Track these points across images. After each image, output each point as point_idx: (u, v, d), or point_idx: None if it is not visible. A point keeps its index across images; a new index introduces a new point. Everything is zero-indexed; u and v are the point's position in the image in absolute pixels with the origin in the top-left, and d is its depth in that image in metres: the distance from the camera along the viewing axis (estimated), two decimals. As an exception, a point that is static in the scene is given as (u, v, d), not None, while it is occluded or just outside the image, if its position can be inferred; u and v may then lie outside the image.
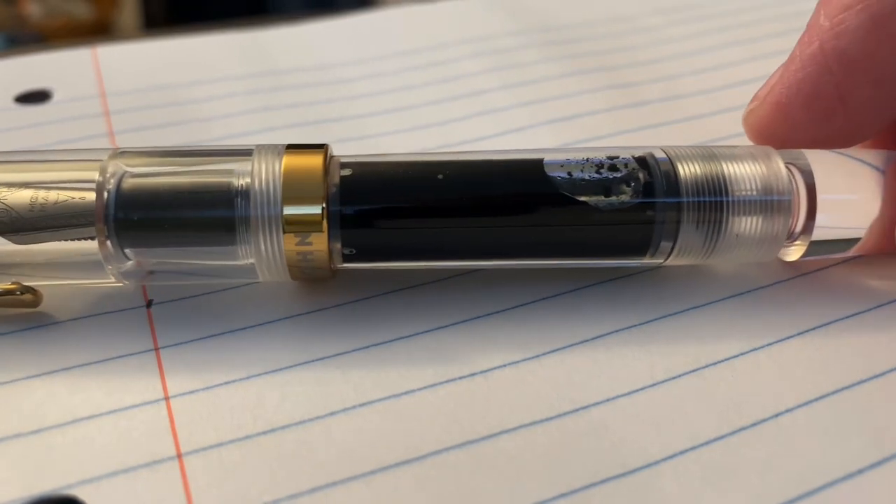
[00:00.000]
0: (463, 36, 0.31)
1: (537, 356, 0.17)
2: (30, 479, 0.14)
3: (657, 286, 0.18)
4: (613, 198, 0.16)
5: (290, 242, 0.16)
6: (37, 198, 0.16)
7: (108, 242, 0.16)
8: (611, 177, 0.17)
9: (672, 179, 0.17)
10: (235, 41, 0.31)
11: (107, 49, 0.30)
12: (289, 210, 0.16)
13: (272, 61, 0.30)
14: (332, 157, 0.17)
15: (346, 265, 0.17)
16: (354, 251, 0.17)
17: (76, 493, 0.14)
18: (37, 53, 0.30)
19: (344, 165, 0.17)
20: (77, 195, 0.16)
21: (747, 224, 0.17)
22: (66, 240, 0.16)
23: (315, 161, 0.17)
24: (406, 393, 0.16)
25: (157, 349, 0.17)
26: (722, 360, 0.16)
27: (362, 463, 0.14)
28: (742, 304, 0.18)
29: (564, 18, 0.33)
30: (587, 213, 0.16)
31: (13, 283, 0.17)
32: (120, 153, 0.17)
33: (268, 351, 0.17)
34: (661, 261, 0.17)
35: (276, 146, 0.17)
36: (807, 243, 0.17)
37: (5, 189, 0.16)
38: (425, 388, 0.16)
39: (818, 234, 0.17)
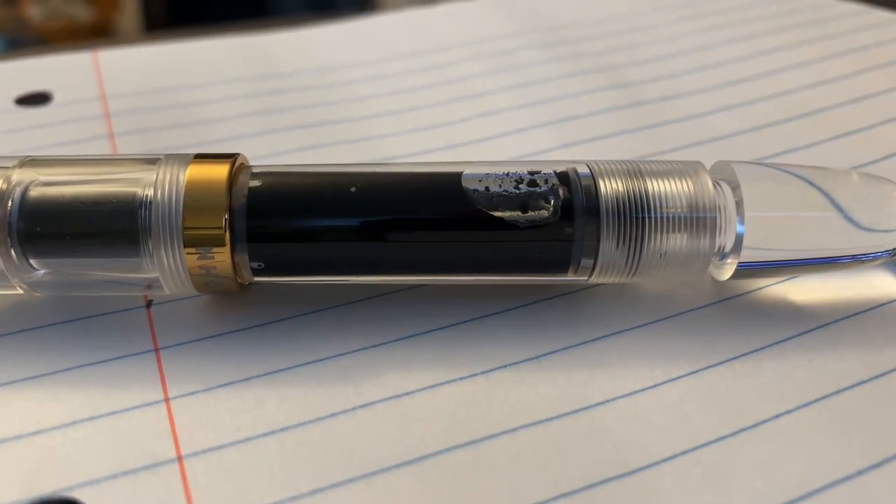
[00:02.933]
0: (463, 38, 0.32)
1: (537, 357, 0.17)
2: (30, 480, 0.14)
3: (656, 288, 0.18)
4: (532, 213, 0.16)
5: (192, 256, 0.16)
6: None
7: (12, 252, 0.16)
8: (529, 192, 0.16)
9: (592, 196, 0.16)
10: (236, 44, 0.31)
11: (107, 52, 0.30)
12: (190, 223, 0.16)
13: (273, 64, 0.30)
14: (244, 166, 0.17)
15: (257, 279, 0.17)
16: (263, 265, 0.16)
17: (76, 495, 0.14)
18: (38, 56, 0.30)
19: (255, 176, 0.16)
20: None
21: (671, 242, 0.16)
22: None
23: (220, 172, 0.16)
24: (406, 394, 0.16)
25: (157, 350, 0.17)
26: (722, 361, 0.16)
27: (363, 464, 0.14)
28: (742, 305, 0.18)
29: (564, 19, 0.33)
30: (503, 230, 0.16)
31: None
32: (30, 161, 0.17)
33: (268, 352, 0.17)
34: (585, 278, 0.17)
35: (185, 155, 0.17)
36: (736, 262, 0.17)
37: None
38: (425, 388, 0.16)
39: (747, 253, 0.16)
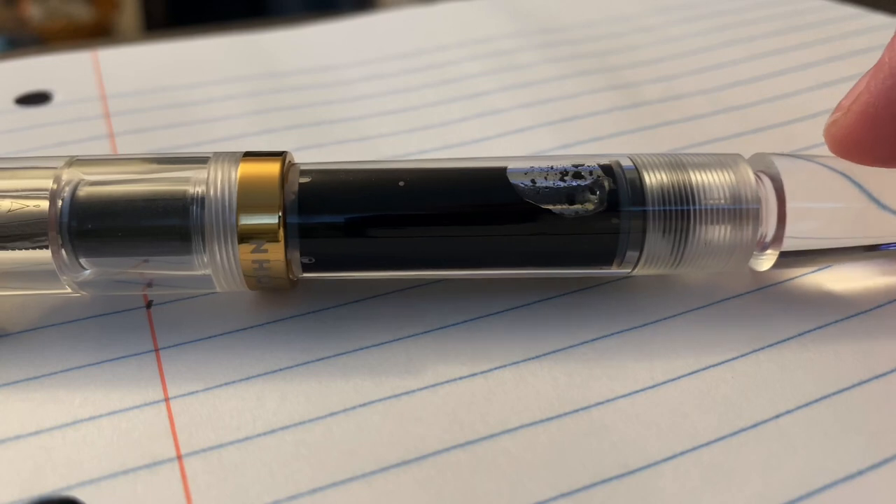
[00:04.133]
0: (463, 38, 0.32)
1: (538, 357, 0.17)
2: (30, 480, 0.14)
3: (658, 288, 0.18)
4: (578, 206, 0.16)
5: (245, 252, 0.16)
6: None
7: (63, 252, 0.16)
8: (575, 185, 0.16)
9: (638, 188, 0.16)
10: (235, 44, 0.31)
11: (107, 51, 0.30)
12: (244, 219, 0.16)
13: (272, 63, 0.30)
14: (291, 164, 0.17)
15: (306, 275, 0.17)
16: (313, 260, 0.17)
17: (76, 494, 0.14)
18: (38, 56, 0.30)
19: (304, 173, 0.17)
20: (31, 203, 0.16)
21: (715, 233, 0.16)
22: (19, 249, 0.16)
23: (272, 169, 0.16)
24: (406, 393, 0.16)
25: (157, 350, 0.17)
26: (722, 362, 0.16)
27: (363, 463, 0.14)
28: (742, 306, 0.18)
29: (564, 19, 0.33)
30: (551, 222, 0.16)
31: None
32: (76, 161, 0.17)
33: (268, 352, 0.17)
34: (628, 270, 0.17)
35: (233, 153, 0.17)
36: (777, 253, 0.17)
37: None
38: (425, 388, 0.16)
39: (788, 243, 0.17)
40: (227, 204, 0.16)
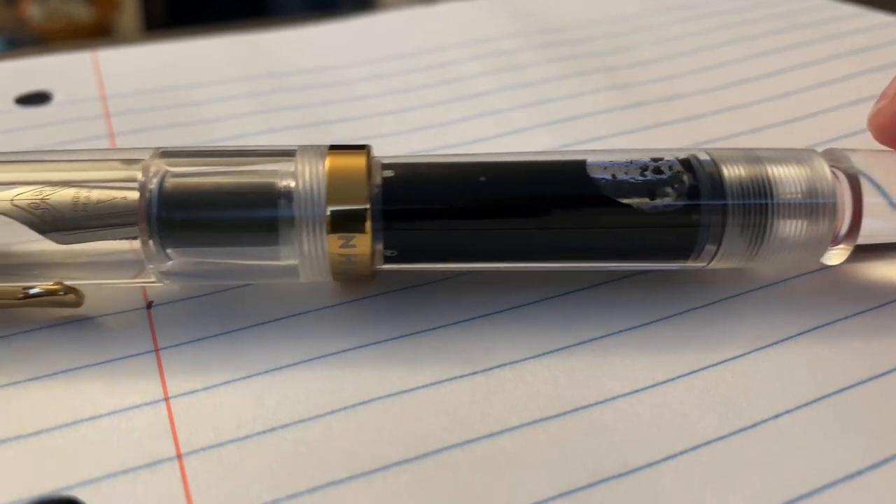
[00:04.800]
0: (463, 38, 0.32)
1: (538, 356, 0.17)
2: (30, 479, 0.14)
3: (657, 289, 0.18)
4: (658, 200, 0.16)
5: (333, 243, 0.16)
6: (79, 197, 0.16)
7: (151, 242, 0.16)
8: (655, 179, 0.16)
9: (717, 182, 0.16)
10: (235, 44, 0.31)
11: (107, 52, 0.30)
12: (333, 210, 0.16)
13: (272, 64, 0.30)
14: (373, 157, 0.17)
15: (386, 266, 0.17)
16: (396, 252, 0.17)
17: (76, 493, 0.14)
18: (38, 56, 0.30)
19: (385, 167, 0.17)
20: (119, 195, 0.16)
21: (792, 228, 0.16)
22: (108, 239, 0.16)
23: (358, 161, 0.16)
24: (406, 391, 0.16)
25: (157, 350, 0.17)
26: (722, 362, 0.16)
27: (363, 462, 0.14)
28: (742, 305, 0.18)
29: (564, 19, 0.33)
30: (631, 216, 0.16)
31: (56, 283, 0.17)
32: (162, 153, 0.17)
33: (267, 350, 0.17)
34: (703, 264, 0.17)
35: (318, 147, 0.17)
36: (851, 247, 0.17)
37: (48, 189, 0.16)
38: (425, 386, 0.16)
39: (863, 238, 0.17)
40: (316, 195, 0.16)
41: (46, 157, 0.17)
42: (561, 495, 0.14)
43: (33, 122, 0.26)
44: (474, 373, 0.16)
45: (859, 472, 0.14)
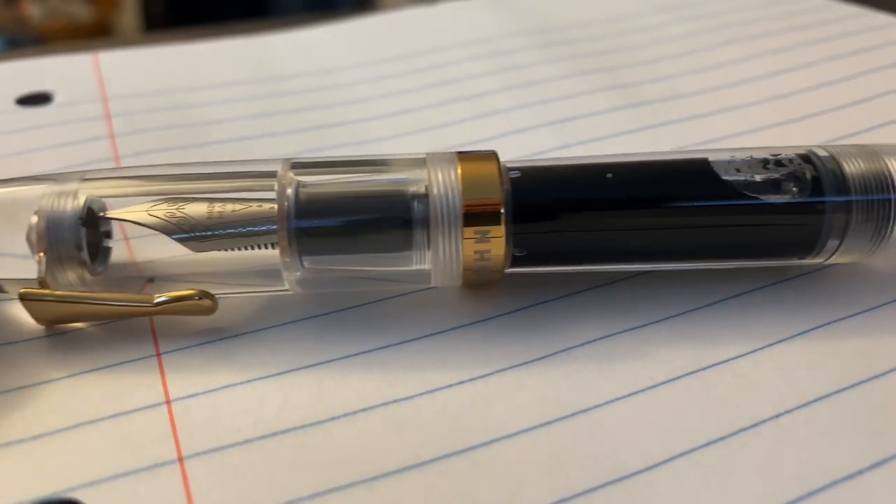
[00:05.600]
0: (463, 38, 0.32)
1: (537, 360, 0.17)
2: (32, 482, 0.14)
3: (655, 289, 0.18)
4: (784, 196, 0.16)
5: (468, 244, 0.16)
6: (213, 207, 0.16)
7: (289, 250, 0.16)
8: (778, 175, 0.17)
9: (839, 177, 0.17)
10: (236, 46, 0.31)
11: (108, 53, 0.30)
12: (468, 214, 0.16)
13: (272, 66, 0.30)
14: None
15: (512, 269, 0.17)
16: (524, 252, 0.17)
17: (78, 496, 0.14)
18: (39, 56, 0.30)
19: (511, 169, 0.17)
20: (254, 204, 0.16)
21: None
22: (243, 247, 0.17)
23: (490, 164, 0.17)
24: (406, 398, 0.16)
25: (158, 354, 0.17)
26: (722, 362, 0.16)
27: (363, 468, 0.14)
28: (742, 305, 0.18)
29: (564, 19, 0.33)
30: (758, 211, 0.16)
31: (191, 290, 0.17)
32: (292, 164, 0.17)
33: (269, 355, 0.17)
34: (821, 260, 0.17)
35: (446, 153, 0.17)
36: None
37: (183, 201, 0.17)
38: (425, 393, 0.16)
39: None
40: (451, 200, 0.16)
41: (177, 171, 0.18)
42: (561, 500, 0.14)
43: (34, 122, 0.26)
44: (473, 379, 0.16)
45: (860, 472, 0.14)
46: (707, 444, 0.15)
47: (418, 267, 0.17)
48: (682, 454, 0.14)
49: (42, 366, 0.16)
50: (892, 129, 0.25)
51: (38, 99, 0.27)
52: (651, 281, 0.19)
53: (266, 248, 0.17)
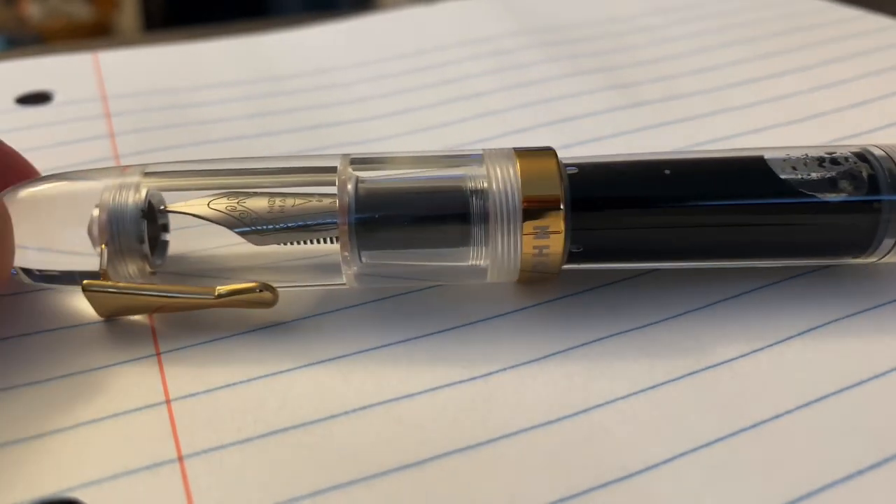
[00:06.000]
0: (463, 37, 0.32)
1: (537, 360, 0.17)
2: (32, 481, 0.14)
3: (656, 289, 0.18)
4: (841, 193, 0.16)
5: (527, 240, 0.16)
6: (274, 202, 0.17)
7: (349, 244, 0.16)
8: (834, 172, 0.17)
9: (894, 173, 0.17)
10: (235, 46, 0.31)
11: (108, 53, 0.30)
12: (528, 209, 0.16)
13: (271, 66, 0.30)
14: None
15: (567, 266, 0.17)
16: (581, 248, 0.17)
17: (77, 495, 0.14)
18: (38, 56, 0.30)
19: (567, 165, 0.17)
20: (314, 199, 0.17)
21: None
22: (304, 241, 0.17)
23: (548, 160, 0.17)
24: (406, 396, 0.16)
25: (158, 354, 0.17)
26: (722, 362, 0.16)
27: (363, 466, 0.14)
28: (742, 305, 0.18)
29: (564, 19, 0.33)
30: (814, 209, 0.16)
31: (252, 282, 0.17)
32: (351, 159, 0.17)
33: (268, 354, 0.17)
34: (874, 259, 0.17)
35: (503, 149, 0.17)
36: None
37: (244, 195, 0.17)
38: (425, 391, 0.16)
39: None
40: (510, 195, 0.16)
41: (237, 165, 0.18)
42: (561, 499, 0.14)
43: (34, 121, 0.26)
44: (473, 378, 0.16)
45: (860, 473, 0.14)
46: (707, 444, 0.15)
47: (474, 263, 0.17)
48: (682, 454, 0.14)
49: (42, 364, 0.16)
50: (890, 132, 0.25)
51: (37, 98, 0.27)
52: (651, 281, 0.19)
53: (325, 242, 0.17)
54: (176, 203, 0.17)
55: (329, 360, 0.17)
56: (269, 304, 0.17)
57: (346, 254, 0.16)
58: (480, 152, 0.17)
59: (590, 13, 0.34)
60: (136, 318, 0.18)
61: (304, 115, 0.26)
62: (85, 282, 0.16)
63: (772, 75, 0.28)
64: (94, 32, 1.11)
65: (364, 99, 0.27)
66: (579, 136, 0.25)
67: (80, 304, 0.18)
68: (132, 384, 0.16)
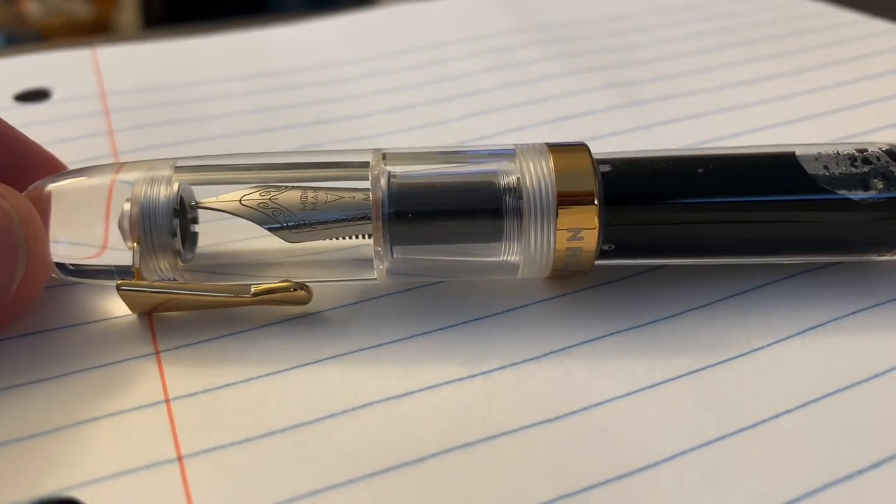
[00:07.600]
0: (462, 34, 0.32)
1: (537, 357, 0.16)
2: (31, 481, 0.14)
3: (655, 289, 0.18)
4: (872, 192, 0.16)
5: (561, 237, 0.16)
6: (307, 197, 0.17)
7: (383, 239, 0.16)
8: (865, 169, 0.17)
9: None
10: (234, 42, 0.31)
11: (107, 49, 0.30)
12: (562, 205, 0.16)
13: (270, 61, 0.30)
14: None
15: (599, 262, 0.17)
16: (613, 247, 0.17)
17: (77, 494, 0.14)
18: (37, 53, 0.30)
19: (601, 162, 0.17)
20: (347, 194, 0.17)
21: None
22: (337, 237, 0.17)
23: (582, 157, 0.17)
24: (406, 394, 0.16)
25: (157, 353, 0.17)
26: (722, 361, 0.16)
27: (362, 465, 0.14)
28: (742, 305, 0.18)
29: (563, 17, 0.33)
30: (846, 207, 0.17)
31: (285, 281, 0.17)
32: (383, 155, 0.17)
33: (268, 353, 0.17)
34: None
35: (535, 145, 0.17)
36: None
37: (275, 189, 0.17)
38: (425, 389, 0.16)
39: None
40: (545, 190, 0.16)
41: (268, 160, 0.18)
42: (561, 497, 0.14)
43: (32, 118, 0.26)
44: (473, 375, 0.16)
45: (860, 472, 0.14)
46: (707, 444, 0.15)
47: (506, 258, 0.17)
48: (682, 453, 0.14)
49: (41, 363, 0.16)
50: (886, 134, 0.25)
51: (36, 95, 0.27)
52: (651, 280, 0.19)
53: (356, 238, 0.17)
54: (207, 199, 0.17)
55: (328, 358, 0.17)
56: (304, 302, 0.17)
57: (380, 248, 0.16)
58: (512, 147, 0.17)
59: (589, 12, 0.34)
60: (134, 316, 0.17)
61: (303, 110, 0.26)
62: (119, 282, 0.16)
63: (770, 77, 0.28)
64: (94, 30, 1.11)
65: (364, 95, 0.27)
66: (578, 134, 0.25)
67: (77, 303, 0.18)
68: (131, 383, 0.16)
